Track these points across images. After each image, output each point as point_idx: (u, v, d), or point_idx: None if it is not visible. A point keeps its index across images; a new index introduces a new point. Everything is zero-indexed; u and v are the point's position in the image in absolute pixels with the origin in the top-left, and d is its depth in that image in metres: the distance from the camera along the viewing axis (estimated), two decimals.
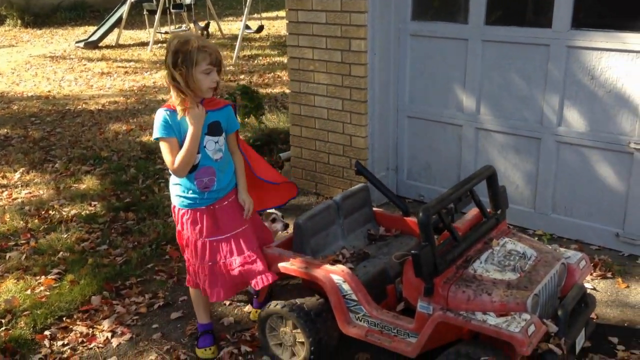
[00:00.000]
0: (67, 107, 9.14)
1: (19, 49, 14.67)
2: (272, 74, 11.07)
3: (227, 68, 11.53)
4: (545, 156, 4.47)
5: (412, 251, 2.76)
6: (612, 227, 4.30)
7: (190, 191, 3.16)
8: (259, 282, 3.23)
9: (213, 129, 3.13)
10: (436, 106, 4.95)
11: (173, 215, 3.33)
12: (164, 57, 3.04)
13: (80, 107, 9.17)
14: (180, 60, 2.92)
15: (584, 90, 4.21)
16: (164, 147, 3.07)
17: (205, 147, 3.11)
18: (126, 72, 11.76)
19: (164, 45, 14.59)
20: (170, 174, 3.22)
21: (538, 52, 4.32)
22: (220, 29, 15.58)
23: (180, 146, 3.04)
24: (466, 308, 2.78)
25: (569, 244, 4.36)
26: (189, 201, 3.19)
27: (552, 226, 4.55)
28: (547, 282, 2.91)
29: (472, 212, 3.30)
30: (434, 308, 2.85)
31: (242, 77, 10.86)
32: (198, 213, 3.20)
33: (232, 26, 16.87)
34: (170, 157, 3.05)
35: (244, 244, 3.23)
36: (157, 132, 3.05)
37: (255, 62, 12.32)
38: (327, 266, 3.16)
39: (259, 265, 3.22)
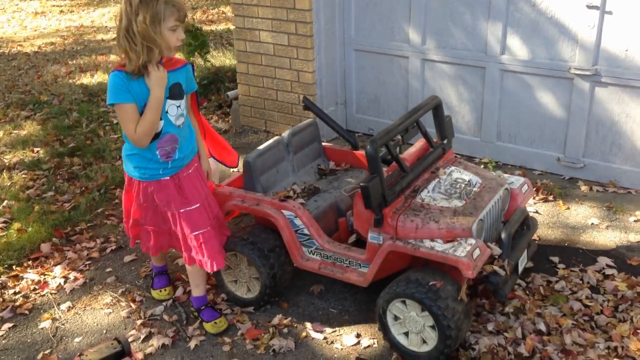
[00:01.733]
0: (0, 50, 8.72)
1: None
2: (216, 9, 10.77)
3: None
4: (489, 85, 4.53)
5: (361, 184, 2.79)
6: (554, 152, 4.44)
7: (152, 161, 2.87)
8: (210, 265, 3.07)
9: (174, 92, 2.83)
10: (382, 38, 4.92)
11: (129, 187, 3.04)
12: (119, 7, 2.66)
13: (14, 49, 8.78)
14: (144, 14, 2.58)
15: (526, 18, 4.24)
16: (121, 113, 2.73)
17: (167, 112, 2.81)
18: (62, 12, 11.26)
19: None
20: (124, 142, 2.94)
21: None
22: None
23: (140, 112, 2.72)
24: (415, 236, 2.86)
25: (513, 170, 4.50)
26: (152, 172, 2.91)
27: (498, 153, 4.67)
28: (491, 208, 3.01)
29: (419, 142, 3.34)
30: (384, 238, 2.92)
31: None
32: (162, 183, 2.93)
33: None
34: (131, 125, 2.71)
35: (208, 213, 3.06)
36: (112, 97, 2.70)
37: None
38: (278, 202, 3.19)
39: (214, 244, 3.07)
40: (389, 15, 4.81)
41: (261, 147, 3.43)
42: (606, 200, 4.07)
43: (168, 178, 2.94)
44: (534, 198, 4.15)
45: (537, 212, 4.02)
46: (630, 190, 4.16)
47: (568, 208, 4.04)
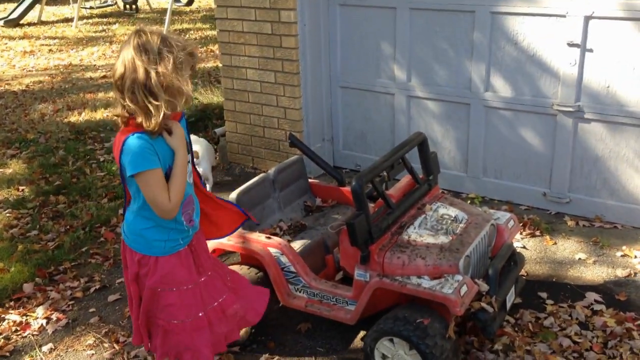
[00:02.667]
0: None
1: None
2: (205, 48, 10.87)
3: None
4: (474, 121, 4.57)
5: (347, 221, 2.78)
6: (540, 187, 4.46)
7: (174, 230, 2.46)
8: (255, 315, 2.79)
9: (187, 147, 2.50)
10: (368, 76, 4.97)
11: (135, 267, 2.50)
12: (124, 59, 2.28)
13: (2, 88, 8.78)
14: (167, 63, 2.23)
15: (509, 55, 4.31)
16: (152, 181, 2.29)
17: None
18: (50, 50, 11.32)
19: (89, 21, 14.11)
20: (137, 211, 2.45)
21: (464, 18, 4.39)
22: (148, 3, 15.14)
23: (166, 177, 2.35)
24: (401, 273, 2.84)
25: (500, 205, 4.51)
26: (173, 243, 2.47)
27: (484, 189, 4.69)
28: (478, 243, 3.00)
29: (405, 179, 3.35)
30: (370, 275, 2.90)
31: None
32: (182, 254, 2.52)
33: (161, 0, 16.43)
34: (165, 193, 2.31)
35: (227, 275, 2.76)
36: (142, 164, 2.27)
37: (187, 35, 12.06)
38: (264, 239, 3.16)
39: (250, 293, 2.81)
40: (374, 53, 4.87)
41: (247, 184, 3.42)
42: (592, 235, 4.08)
43: (187, 247, 2.54)
44: (521, 233, 4.15)
45: (524, 247, 4.01)
46: (616, 225, 4.18)
47: (555, 243, 4.04)
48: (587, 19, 3.95)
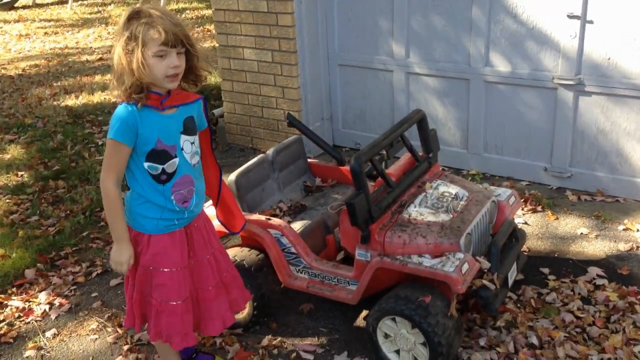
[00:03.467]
0: None
1: None
2: (201, 27, 10.76)
3: None
4: (474, 97, 4.53)
5: (347, 201, 2.76)
6: (541, 162, 4.43)
7: (167, 209, 2.45)
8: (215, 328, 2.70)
9: (188, 126, 2.46)
10: (366, 53, 4.91)
11: (132, 244, 2.48)
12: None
13: None
14: (120, 39, 2.27)
15: (508, 29, 4.25)
16: (109, 150, 2.38)
17: (182, 149, 2.44)
18: (46, 33, 11.22)
19: (84, 2, 13.98)
20: (125, 182, 2.47)
21: None
22: None
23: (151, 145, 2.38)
24: (402, 252, 2.83)
25: (501, 181, 4.49)
26: (167, 223, 2.46)
27: (485, 165, 4.66)
28: (479, 221, 2.98)
29: (405, 157, 3.32)
30: (371, 255, 2.88)
31: None
32: (177, 236, 2.51)
33: None
34: (111, 169, 2.37)
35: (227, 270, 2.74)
36: (110, 132, 2.35)
37: (183, 15, 11.92)
38: (264, 221, 3.15)
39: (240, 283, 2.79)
40: (372, 29, 4.81)
41: (245, 165, 3.40)
42: (594, 210, 4.06)
43: (182, 229, 2.54)
44: (522, 209, 4.13)
45: (525, 223, 4.00)
46: (618, 199, 4.16)
47: (557, 218, 4.03)
48: None
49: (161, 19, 2.25)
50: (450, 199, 3.07)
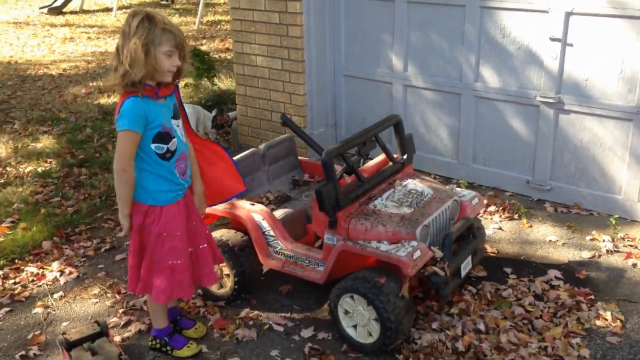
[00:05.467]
0: (28, 72, 9.30)
1: None
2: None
3: (189, 34, 11.72)
4: (465, 110, 4.84)
5: (316, 189, 3.12)
6: (524, 175, 4.71)
7: (173, 182, 2.91)
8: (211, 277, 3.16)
9: (176, 112, 2.93)
10: (369, 65, 5.28)
11: (141, 218, 2.91)
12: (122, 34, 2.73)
13: (41, 71, 9.34)
14: (139, 36, 2.67)
15: (497, 48, 4.57)
16: (122, 139, 2.78)
17: (176, 130, 2.90)
18: (89, 38, 11.88)
19: (128, 10, 14.71)
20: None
21: (456, 12, 4.66)
22: None
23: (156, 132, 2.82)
24: (364, 238, 3.17)
25: (487, 191, 4.78)
26: (174, 194, 2.93)
27: (473, 175, 4.95)
28: (438, 216, 3.30)
29: (380, 157, 3.66)
30: (337, 239, 3.23)
31: (203, 42, 11.05)
32: (181, 204, 2.98)
33: None
34: (125, 155, 2.78)
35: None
36: (120, 124, 2.76)
37: (218, 27, 12.49)
38: (248, 206, 3.52)
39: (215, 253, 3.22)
40: (375, 44, 5.18)
41: (238, 156, 3.79)
42: (568, 221, 4.32)
43: (182, 197, 2.99)
44: (500, 216, 4.42)
45: (500, 228, 4.28)
46: (592, 212, 4.41)
47: (530, 226, 4.30)
48: (568, 14, 4.19)
49: (174, 26, 2.78)
50: (415, 195, 3.40)
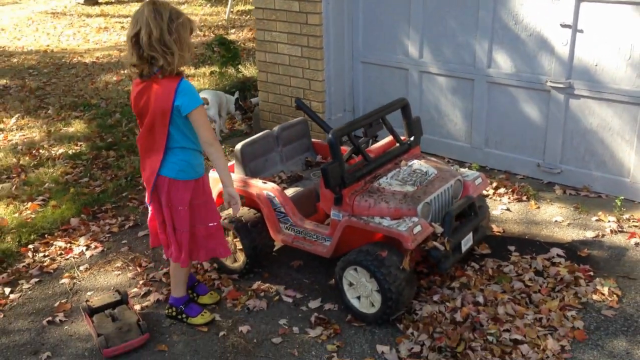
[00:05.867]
0: (63, 60, 9.65)
1: (22, 5, 15.12)
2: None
3: (219, 23, 11.95)
4: (478, 96, 4.95)
5: (322, 167, 3.29)
6: (534, 158, 4.80)
7: (201, 154, 3.19)
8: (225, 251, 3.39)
9: None
10: (386, 52, 5.41)
11: (189, 194, 3.14)
12: (144, 26, 2.89)
13: (75, 59, 9.68)
14: (177, 22, 2.91)
15: (509, 34, 4.66)
16: (204, 112, 3.08)
17: None
18: (122, 27, 12.19)
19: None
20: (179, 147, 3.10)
21: (470, 0, 4.76)
22: None
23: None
24: (368, 214, 3.33)
25: (499, 174, 4.88)
26: (203, 166, 3.24)
27: (486, 159, 5.06)
28: (441, 194, 3.44)
29: (388, 138, 3.81)
30: (342, 215, 3.40)
31: (232, 31, 11.27)
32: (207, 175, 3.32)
33: None
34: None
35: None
36: (198, 100, 3.01)
37: (248, 17, 12.69)
38: (261, 184, 3.71)
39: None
40: (392, 31, 5.30)
41: (252, 137, 3.98)
42: (575, 203, 4.41)
43: None
44: (508, 198, 4.52)
45: (508, 209, 4.39)
46: (601, 195, 4.48)
47: (538, 207, 4.40)
48: (579, 1, 4.26)
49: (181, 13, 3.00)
50: (420, 175, 3.54)
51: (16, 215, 4.69)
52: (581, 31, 4.32)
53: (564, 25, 4.36)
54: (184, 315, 3.46)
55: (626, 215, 4.17)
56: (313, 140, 4.36)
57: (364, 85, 5.68)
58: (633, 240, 3.90)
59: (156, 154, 3.09)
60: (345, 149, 3.59)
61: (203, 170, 3.22)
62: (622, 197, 4.30)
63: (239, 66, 7.31)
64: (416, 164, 3.66)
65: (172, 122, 3.01)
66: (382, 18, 5.33)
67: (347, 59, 5.62)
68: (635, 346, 3.07)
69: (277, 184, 3.82)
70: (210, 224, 3.26)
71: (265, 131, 4.09)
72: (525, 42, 4.60)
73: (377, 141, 3.83)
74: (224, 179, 3.14)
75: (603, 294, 3.40)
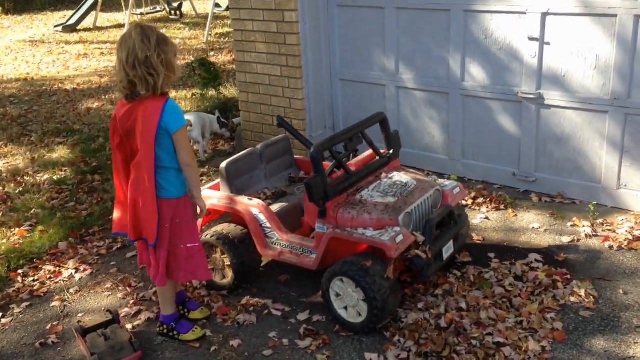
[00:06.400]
0: (44, 88, 9.72)
1: (0, 35, 15.15)
2: None
3: (198, 46, 12.09)
4: (453, 108, 5.11)
5: (305, 181, 3.40)
6: (510, 168, 4.96)
7: (183, 176, 3.26)
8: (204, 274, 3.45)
9: None
10: (363, 69, 5.56)
11: (171, 212, 3.24)
12: (130, 49, 3.00)
13: (56, 86, 9.75)
14: (165, 47, 3.04)
15: (480, 49, 4.83)
16: (185, 136, 3.18)
17: None
18: (102, 54, 12.30)
19: None
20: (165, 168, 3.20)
21: (441, 16, 4.94)
22: (194, 8, 16.07)
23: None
24: (351, 225, 3.44)
25: (477, 185, 5.03)
26: (185, 187, 3.29)
27: (464, 170, 5.21)
28: (421, 204, 3.56)
29: (368, 152, 3.94)
30: (327, 227, 3.50)
31: (212, 54, 11.41)
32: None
33: (206, 5, 17.33)
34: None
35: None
36: (183, 120, 3.12)
37: (226, 39, 12.85)
38: (247, 201, 3.81)
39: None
40: (368, 48, 5.46)
41: (235, 156, 4.08)
42: (551, 209, 4.56)
43: None
44: (487, 207, 4.66)
45: (487, 218, 4.53)
46: (575, 201, 4.64)
47: (515, 215, 4.55)
48: (544, 15, 4.45)
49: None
50: (400, 186, 3.67)
51: (4, 241, 4.73)
52: (548, 43, 4.51)
53: (531, 39, 4.55)
54: (175, 332, 3.53)
55: (599, 220, 4.32)
56: (295, 156, 4.47)
57: (343, 102, 5.82)
58: (607, 244, 4.05)
59: (147, 173, 3.15)
60: (327, 164, 3.71)
61: (186, 190, 3.29)
62: (595, 203, 4.46)
63: (220, 87, 7.42)
64: (396, 175, 3.78)
65: (157, 141, 3.10)
66: (358, 36, 5.49)
67: (326, 77, 5.77)
68: (612, 344, 3.20)
69: (262, 200, 3.92)
70: (189, 245, 3.32)
71: (249, 149, 4.20)
72: (496, 56, 4.78)
73: (358, 155, 3.96)
74: (196, 192, 3.29)
75: (580, 296, 3.53)
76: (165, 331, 3.55)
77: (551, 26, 4.45)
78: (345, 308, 3.45)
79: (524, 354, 3.13)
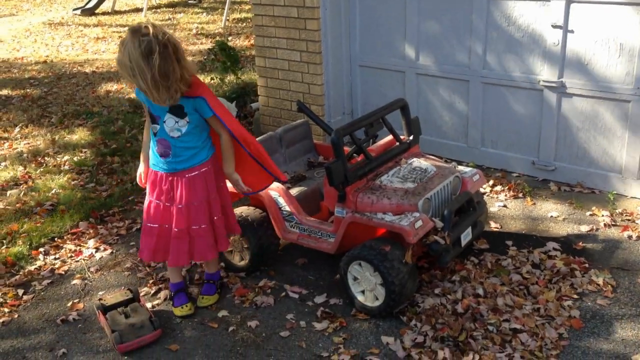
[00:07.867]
0: (63, 70, 9.77)
1: (20, 17, 15.25)
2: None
3: (216, 31, 12.10)
4: (473, 96, 5.09)
5: (326, 165, 3.42)
6: (529, 156, 4.94)
7: (154, 153, 3.38)
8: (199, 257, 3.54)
9: (175, 111, 3.24)
10: (383, 55, 5.55)
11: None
12: (160, 53, 3.06)
13: (75, 69, 9.81)
14: (182, 54, 3.17)
15: (502, 36, 4.80)
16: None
17: (164, 121, 3.25)
18: (120, 37, 12.33)
19: (158, 10, 15.18)
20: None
21: (464, 2, 4.90)
22: None
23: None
24: (370, 210, 3.45)
25: (495, 173, 5.02)
26: (153, 162, 3.41)
27: (482, 158, 5.19)
28: (440, 190, 3.57)
29: (388, 138, 3.94)
30: (346, 212, 3.52)
31: (230, 39, 11.41)
32: (158, 176, 3.38)
33: None
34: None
35: (195, 215, 3.41)
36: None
37: (245, 24, 12.84)
38: None
39: (205, 239, 3.47)
40: (388, 35, 5.45)
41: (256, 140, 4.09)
42: (570, 198, 4.54)
43: (163, 173, 3.37)
44: (505, 195, 4.66)
45: (505, 206, 4.53)
46: (594, 190, 4.62)
47: (534, 204, 4.54)
48: (569, 2, 4.41)
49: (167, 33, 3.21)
50: (419, 172, 3.67)
51: (26, 219, 4.80)
52: (572, 31, 4.47)
53: (555, 26, 4.51)
54: (172, 302, 3.69)
55: (619, 210, 4.31)
56: (315, 141, 4.49)
57: (362, 88, 5.82)
58: (626, 233, 4.04)
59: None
60: (347, 149, 3.72)
61: (151, 165, 3.46)
62: (615, 192, 4.44)
63: (240, 72, 7.44)
64: (416, 161, 3.79)
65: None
66: (379, 22, 5.47)
67: (345, 63, 5.76)
68: (629, 332, 3.20)
69: (282, 184, 3.95)
70: (194, 227, 3.41)
71: (269, 133, 4.22)
72: (518, 43, 4.75)
73: (377, 141, 3.96)
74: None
75: (598, 285, 3.53)
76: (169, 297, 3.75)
77: (575, 14, 4.41)
78: (363, 292, 3.48)
79: (541, 341, 3.14)
